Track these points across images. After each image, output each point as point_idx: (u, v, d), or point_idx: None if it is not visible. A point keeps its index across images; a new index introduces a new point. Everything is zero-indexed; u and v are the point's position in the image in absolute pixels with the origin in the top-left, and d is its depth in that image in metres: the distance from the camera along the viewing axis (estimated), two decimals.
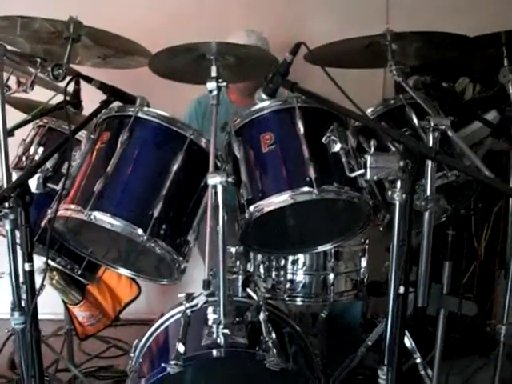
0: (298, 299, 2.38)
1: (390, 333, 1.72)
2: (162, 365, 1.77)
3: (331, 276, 2.32)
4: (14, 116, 2.41)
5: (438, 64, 2.62)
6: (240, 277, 1.99)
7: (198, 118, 2.96)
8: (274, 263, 2.37)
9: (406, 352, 2.43)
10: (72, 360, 3.00)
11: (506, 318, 2.15)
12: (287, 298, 2.38)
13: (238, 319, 1.94)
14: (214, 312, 1.84)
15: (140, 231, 1.80)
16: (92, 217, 1.80)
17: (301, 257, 2.35)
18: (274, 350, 1.83)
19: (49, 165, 2.11)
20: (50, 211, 1.89)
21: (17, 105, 2.58)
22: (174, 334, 2.06)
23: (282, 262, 2.38)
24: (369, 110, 2.08)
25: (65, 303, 2.85)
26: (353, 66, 2.17)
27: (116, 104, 2.08)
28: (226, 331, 1.79)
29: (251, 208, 1.82)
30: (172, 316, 2.18)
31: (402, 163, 1.54)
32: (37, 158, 2.27)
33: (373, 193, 1.96)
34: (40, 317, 3.06)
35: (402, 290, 1.57)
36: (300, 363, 2.03)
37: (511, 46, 2.07)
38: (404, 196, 1.63)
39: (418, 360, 2.42)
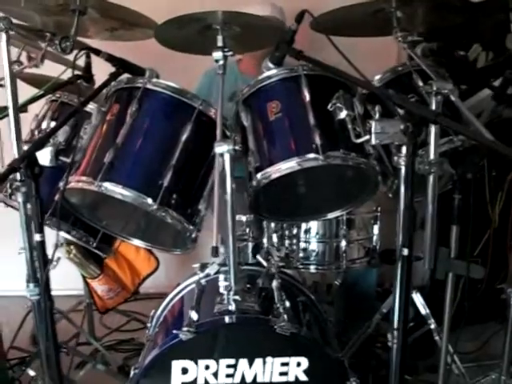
0: (312, 267, 2.41)
1: (399, 297, 1.73)
2: (174, 331, 1.81)
3: (343, 243, 2.33)
4: (29, 92, 2.43)
5: (449, 31, 2.60)
6: (250, 244, 2.01)
7: (206, 89, 2.95)
8: (286, 232, 2.39)
9: (421, 318, 2.46)
10: (93, 333, 3.05)
11: None
12: (300, 266, 2.40)
13: (249, 286, 1.96)
14: (226, 279, 1.88)
15: (150, 200, 1.83)
16: (103, 188, 1.83)
17: (313, 225, 2.36)
18: (285, 316, 1.85)
19: (61, 138, 2.16)
20: (61, 183, 1.93)
21: (31, 80, 2.60)
22: (188, 302, 2.10)
23: (295, 231, 2.40)
24: (377, 77, 2.07)
25: (84, 277, 2.90)
26: (361, 34, 2.16)
27: (125, 76, 2.09)
28: (236, 297, 1.82)
29: (259, 175, 1.85)
30: (187, 286, 2.22)
31: (402, 126, 1.54)
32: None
33: (380, 159, 1.96)
34: (60, 292, 3.15)
35: (405, 251, 1.57)
36: (313, 330, 2.05)
37: None
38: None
39: (433, 326, 2.43)
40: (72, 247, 2.68)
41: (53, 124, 2.30)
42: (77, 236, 2.36)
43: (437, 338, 2.40)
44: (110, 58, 2.07)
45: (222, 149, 1.73)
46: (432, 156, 1.67)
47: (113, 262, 2.95)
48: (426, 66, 1.81)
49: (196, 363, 1.84)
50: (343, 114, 1.81)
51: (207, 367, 1.84)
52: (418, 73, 1.96)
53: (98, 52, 2.07)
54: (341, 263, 2.36)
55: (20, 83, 2.14)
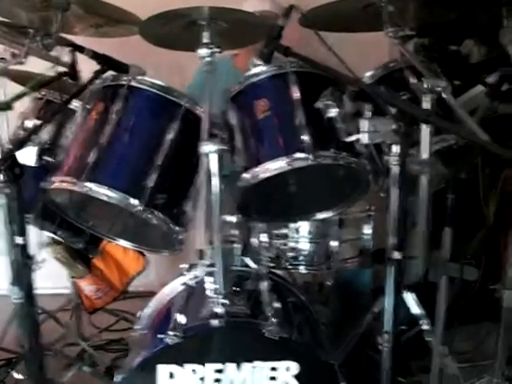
0: (302, 267, 2.35)
1: (390, 300, 1.69)
2: (160, 336, 1.77)
3: (334, 243, 2.28)
4: (15, 89, 2.38)
5: (441, 27, 2.56)
6: (238, 246, 1.96)
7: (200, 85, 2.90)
8: (276, 231, 2.34)
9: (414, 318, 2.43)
10: (81, 334, 2.99)
11: None
12: (290, 267, 2.35)
13: (237, 288, 1.92)
14: (214, 282, 1.84)
15: (135, 202, 1.78)
16: (86, 188, 1.78)
17: (303, 224, 2.31)
18: (274, 319, 1.82)
19: (46, 137, 2.12)
20: (43, 184, 1.88)
21: (16, 78, 2.55)
22: (175, 305, 2.06)
23: (285, 230, 2.34)
24: (368, 74, 2.03)
25: (71, 277, 2.85)
26: (351, 29, 2.11)
27: (110, 73, 2.04)
28: (225, 301, 1.78)
29: (246, 175, 1.80)
30: (175, 287, 2.18)
31: (394, 126, 1.49)
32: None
33: (372, 158, 1.91)
34: (50, 291, 3.12)
35: (396, 255, 1.53)
36: (303, 333, 2.01)
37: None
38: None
39: (425, 326, 2.40)
40: (59, 247, 2.64)
41: (38, 122, 2.24)
42: (63, 236, 2.32)
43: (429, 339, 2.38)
44: (95, 56, 2.02)
45: (208, 148, 1.69)
46: (424, 155, 1.62)
47: (100, 261, 2.90)
48: (417, 63, 1.76)
49: (183, 368, 1.80)
50: (333, 112, 1.77)
51: (194, 372, 1.80)
52: (410, 69, 1.92)
53: (82, 49, 2.02)
54: (331, 263, 2.30)
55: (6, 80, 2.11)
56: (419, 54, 2.03)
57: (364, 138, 1.64)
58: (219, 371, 1.81)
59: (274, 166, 1.77)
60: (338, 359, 2.56)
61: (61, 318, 3.08)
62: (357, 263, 2.37)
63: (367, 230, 2.36)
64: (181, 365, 1.80)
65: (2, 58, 2.17)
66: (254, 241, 2.37)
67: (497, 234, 2.90)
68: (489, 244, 2.92)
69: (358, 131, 1.70)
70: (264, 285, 2.07)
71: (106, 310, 3.16)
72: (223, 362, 1.80)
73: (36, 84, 2.31)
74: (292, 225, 2.31)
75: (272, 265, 2.30)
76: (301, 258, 2.33)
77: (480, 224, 2.92)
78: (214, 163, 1.71)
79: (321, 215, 2.07)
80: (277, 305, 1.97)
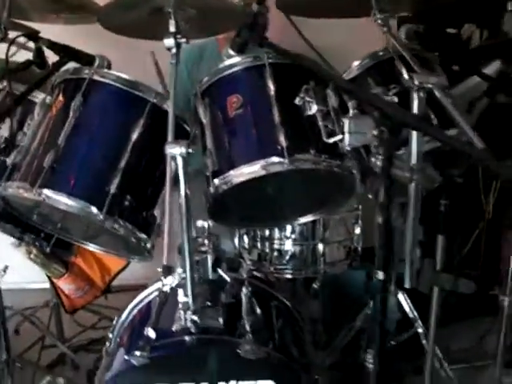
0: (287, 271, 2.20)
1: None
2: (125, 357, 1.63)
3: (320, 246, 2.12)
4: None
5: (439, 10, 2.39)
6: (209, 257, 1.80)
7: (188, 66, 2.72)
8: (259, 233, 2.18)
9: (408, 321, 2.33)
10: (61, 334, 2.88)
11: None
12: (274, 271, 2.19)
13: (212, 300, 1.77)
14: (185, 295, 1.68)
15: (95, 210, 1.62)
16: (43, 196, 1.63)
17: (288, 226, 2.15)
18: (250, 336, 1.67)
19: (5, 134, 1.96)
20: None
21: None
22: (147, 316, 1.92)
23: (268, 232, 2.18)
24: (355, 63, 1.85)
25: (49, 277, 2.71)
26: (335, 15, 1.91)
27: (73, 65, 1.87)
28: (194, 317, 1.63)
29: (216, 181, 1.63)
30: (149, 294, 2.04)
31: (375, 132, 1.31)
32: None
33: (360, 157, 1.73)
34: (30, 286, 2.99)
35: (380, 275, 1.36)
36: (284, 345, 1.86)
37: None
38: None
39: (420, 330, 2.30)
40: (32, 247, 2.49)
41: None
42: (28, 240, 2.16)
43: (424, 341, 2.27)
44: (52, 45, 1.83)
45: (174, 151, 1.52)
46: (413, 161, 1.44)
47: (80, 259, 2.76)
48: (408, 54, 1.58)
49: None
50: (313, 110, 1.59)
51: None
52: (401, 59, 1.73)
53: (36, 38, 1.83)
54: (318, 267, 2.15)
55: None
56: (412, 41, 1.84)
57: (346, 139, 1.47)
58: None
59: (247, 171, 1.60)
60: (330, 359, 2.48)
61: (41, 316, 2.95)
62: (345, 265, 2.21)
63: (356, 230, 2.21)
64: None
65: None
66: (236, 241, 2.24)
67: (496, 228, 2.74)
68: (488, 237, 2.77)
69: (342, 131, 1.52)
70: (244, 292, 1.92)
71: (90, 306, 3.03)
72: (197, 382, 1.66)
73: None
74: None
75: (254, 268, 2.15)
76: (286, 261, 2.18)
77: (479, 217, 2.76)
78: (180, 167, 1.54)
79: (304, 219, 1.90)
80: (256, 314, 1.83)
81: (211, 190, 1.64)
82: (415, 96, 1.43)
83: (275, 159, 1.55)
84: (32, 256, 2.51)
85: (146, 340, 1.68)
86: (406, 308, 2.32)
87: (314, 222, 2.12)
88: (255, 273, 2.19)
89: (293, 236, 2.16)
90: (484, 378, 2.32)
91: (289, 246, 2.18)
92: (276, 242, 2.17)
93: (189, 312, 1.63)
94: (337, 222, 2.17)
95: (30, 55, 2.02)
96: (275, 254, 2.18)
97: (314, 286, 2.41)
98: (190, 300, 1.64)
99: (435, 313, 1.84)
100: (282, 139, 1.55)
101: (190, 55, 2.72)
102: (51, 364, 2.69)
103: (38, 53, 2.06)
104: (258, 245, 2.19)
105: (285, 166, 1.54)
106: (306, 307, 2.72)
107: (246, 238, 2.21)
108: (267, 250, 2.18)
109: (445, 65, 2.12)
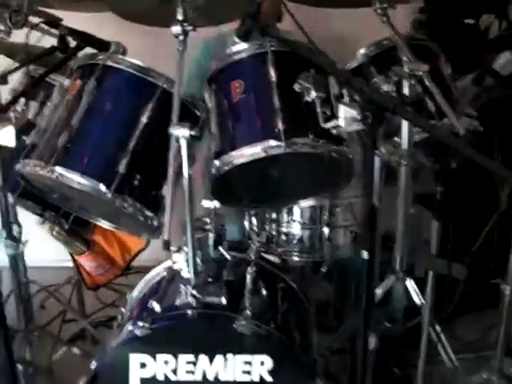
0: (294, 254, 2.26)
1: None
2: (129, 328, 1.72)
3: (326, 230, 2.18)
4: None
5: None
6: (211, 235, 1.87)
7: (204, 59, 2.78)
8: (267, 216, 2.25)
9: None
10: (83, 310, 2.99)
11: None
12: (282, 254, 2.26)
13: (215, 277, 1.85)
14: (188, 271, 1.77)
15: (104, 188, 1.71)
16: (55, 173, 1.73)
17: (296, 210, 2.21)
18: (248, 312, 1.75)
19: (30, 116, 2.07)
20: (17, 166, 1.83)
21: (8, 51, 2.49)
22: (155, 291, 2.01)
23: (277, 215, 2.25)
24: (361, 51, 1.90)
25: (71, 254, 2.83)
26: (336, 5, 1.95)
27: (89, 51, 1.97)
28: (194, 292, 1.71)
29: (217, 162, 1.71)
30: (160, 271, 2.13)
31: (360, 116, 1.37)
32: (18, 107, 2.18)
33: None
34: (56, 264, 3.12)
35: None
36: (282, 325, 1.92)
37: None
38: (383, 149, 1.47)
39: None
40: (54, 225, 2.60)
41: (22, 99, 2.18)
42: (48, 217, 2.27)
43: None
44: (70, 32, 1.93)
45: (178, 133, 1.60)
46: (404, 146, 1.49)
47: (100, 237, 2.87)
48: (403, 43, 1.62)
49: (155, 358, 1.75)
50: (311, 96, 1.65)
51: (166, 363, 1.75)
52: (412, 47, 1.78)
53: (55, 26, 1.93)
54: (324, 251, 2.20)
55: None
56: (418, 31, 1.88)
57: (341, 124, 1.52)
58: (191, 363, 1.75)
59: (248, 152, 1.67)
60: (339, 343, 2.53)
61: (65, 293, 3.07)
62: (352, 250, 2.26)
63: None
64: (153, 355, 1.75)
65: None
66: (246, 224, 2.31)
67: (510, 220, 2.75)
68: (502, 230, 2.77)
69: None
70: (250, 271, 2.00)
71: (112, 285, 3.14)
72: (196, 354, 1.74)
73: (25, 58, 2.26)
74: (285, 209, 2.23)
75: (262, 250, 2.22)
76: (293, 244, 2.24)
77: (493, 207, 2.77)
78: (183, 148, 1.61)
79: (304, 202, 1.96)
80: (260, 293, 1.90)
81: (213, 170, 1.72)
82: (406, 83, 1.47)
83: (273, 142, 1.62)
84: (55, 233, 2.63)
85: (150, 312, 1.78)
86: (414, 296, 2.36)
87: (321, 206, 2.19)
88: (267, 256, 2.26)
89: (300, 220, 2.22)
90: (489, 367, 2.33)
91: (297, 229, 2.24)
92: (284, 225, 2.23)
93: (189, 287, 1.71)
94: (345, 207, 2.21)
95: (54, 41, 2.13)
96: (283, 237, 2.24)
97: (322, 269, 2.46)
98: (191, 276, 1.73)
99: (430, 296, 1.88)
100: (280, 123, 1.61)
101: (216, 43, 2.79)
102: (72, 338, 2.81)
103: (62, 39, 2.17)
104: (267, 227, 2.25)
105: (282, 148, 1.61)
106: (315, 291, 2.79)
107: (254, 221, 2.28)
108: (275, 233, 2.24)
109: (460, 55, 2.15)
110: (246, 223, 2.29)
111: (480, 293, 2.66)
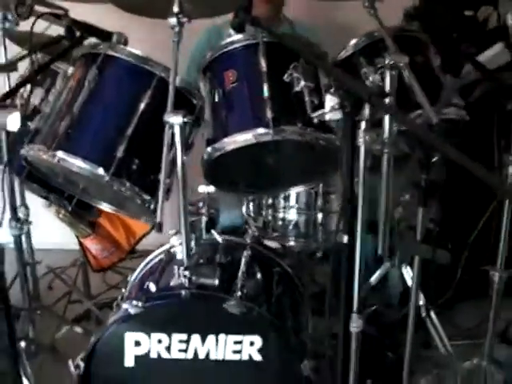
0: (290, 239, 2.33)
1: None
2: (124, 306, 1.80)
3: (320, 215, 2.24)
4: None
5: None
6: (204, 218, 1.95)
7: (204, 47, 2.84)
8: (264, 201, 2.32)
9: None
10: (88, 292, 3.08)
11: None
12: (278, 238, 2.32)
13: (206, 261, 1.92)
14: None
15: (102, 171, 1.78)
16: (56, 157, 1.80)
17: (292, 195, 2.28)
18: (239, 293, 1.82)
19: (36, 102, 2.15)
20: (22, 150, 1.91)
21: (19, 39, 2.56)
22: (152, 272, 2.09)
23: (274, 201, 2.32)
24: (352, 42, 1.95)
25: (77, 237, 2.91)
26: None
27: (92, 41, 2.04)
28: (186, 273, 1.78)
29: (209, 148, 1.78)
30: (159, 254, 2.21)
31: (337, 105, 1.43)
32: (25, 95, 2.26)
33: None
34: (64, 246, 3.20)
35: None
36: (274, 307, 1.99)
37: None
38: (367, 138, 1.53)
39: (421, 302, 2.35)
40: (60, 208, 2.68)
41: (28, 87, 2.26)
42: (52, 200, 2.35)
43: (424, 314, 2.33)
44: (74, 23, 2.00)
45: (172, 120, 1.67)
46: (386, 135, 1.55)
47: (106, 221, 2.94)
48: (386, 35, 1.67)
49: (149, 336, 1.83)
50: (300, 86, 1.71)
51: (160, 341, 1.84)
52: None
53: (58, 16, 2.00)
54: (317, 236, 2.27)
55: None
56: (409, 22, 1.93)
57: (327, 113, 1.58)
58: (184, 341, 1.83)
59: (240, 139, 1.74)
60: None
61: (72, 275, 3.16)
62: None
63: None
64: (148, 333, 1.83)
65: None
66: (243, 210, 2.38)
67: None
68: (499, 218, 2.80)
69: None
70: (245, 254, 2.07)
71: (118, 268, 3.22)
72: (188, 333, 1.82)
73: (35, 45, 2.33)
74: (281, 195, 2.29)
75: (258, 234, 2.28)
76: (289, 229, 2.31)
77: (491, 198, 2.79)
78: (177, 135, 1.68)
79: (295, 189, 2.03)
80: (254, 276, 1.97)
81: (205, 156, 1.79)
82: (387, 74, 1.53)
83: (261, 130, 1.69)
84: (61, 216, 2.70)
85: (145, 292, 1.86)
86: (409, 282, 2.40)
87: (316, 192, 2.25)
88: (266, 241, 2.33)
89: (296, 205, 2.28)
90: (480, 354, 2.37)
91: (293, 215, 2.30)
92: (280, 210, 2.30)
93: (181, 268, 1.79)
94: (338, 194, 2.27)
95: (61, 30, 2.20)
96: (279, 222, 2.31)
97: (317, 254, 2.52)
98: (184, 258, 1.80)
99: (416, 281, 1.93)
100: (269, 112, 1.68)
101: (214, 33, 2.85)
102: (77, 318, 2.89)
103: (69, 29, 2.24)
104: (263, 213, 2.32)
105: (270, 136, 1.67)
106: (315, 275, 2.86)
107: (251, 206, 2.35)
108: (271, 218, 2.30)
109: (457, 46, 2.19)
110: (244, 209, 2.35)
111: (479, 280, 2.69)
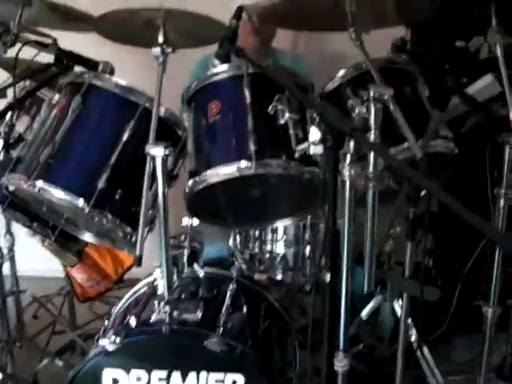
0: (278, 272, 2.28)
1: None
2: (100, 342, 1.75)
3: (308, 248, 2.20)
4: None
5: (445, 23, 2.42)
6: (186, 251, 1.91)
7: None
8: (251, 233, 2.28)
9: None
10: (73, 322, 3.02)
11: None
12: (265, 271, 2.28)
13: (188, 296, 1.88)
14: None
15: (82, 203, 1.74)
16: (37, 188, 1.76)
17: (280, 227, 2.23)
18: (221, 329, 1.77)
19: (21, 129, 2.12)
20: (2, 179, 1.88)
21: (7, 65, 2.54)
22: (134, 306, 2.04)
23: (261, 233, 2.27)
24: (340, 73, 1.93)
25: (62, 265, 2.87)
26: (315, 28, 1.99)
27: (78, 69, 2.02)
28: (167, 308, 1.74)
29: (191, 181, 1.75)
30: (142, 287, 2.16)
31: (319, 139, 1.39)
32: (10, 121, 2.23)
33: None
34: (46, 274, 3.14)
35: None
36: (258, 344, 1.94)
37: (500, 4, 1.84)
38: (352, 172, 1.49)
39: (413, 338, 2.31)
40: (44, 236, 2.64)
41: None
42: (36, 229, 2.31)
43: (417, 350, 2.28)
44: (60, 52, 1.98)
45: (153, 152, 1.64)
46: (371, 169, 1.51)
47: (93, 250, 2.89)
48: (372, 67, 1.65)
49: (128, 373, 1.78)
50: (285, 118, 1.68)
51: (139, 379, 1.78)
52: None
53: (45, 45, 1.98)
54: (306, 269, 2.22)
55: None
56: (398, 54, 1.91)
57: (311, 147, 1.54)
58: (164, 379, 1.78)
59: (222, 172, 1.71)
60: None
61: (58, 304, 3.10)
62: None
63: None
64: (127, 370, 1.78)
65: None
66: (230, 242, 2.34)
67: None
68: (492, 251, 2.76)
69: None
70: (230, 288, 2.03)
71: (106, 297, 3.16)
72: (169, 370, 1.77)
73: (23, 73, 2.32)
74: (269, 227, 2.25)
75: (245, 267, 2.24)
76: (276, 262, 2.26)
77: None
78: (158, 167, 1.65)
79: (282, 222, 1.99)
80: (239, 310, 1.93)
81: (187, 188, 1.75)
82: (372, 107, 1.50)
83: (244, 163, 1.65)
84: (46, 244, 2.65)
85: (125, 326, 1.81)
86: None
87: (304, 225, 2.21)
88: (253, 274, 2.28)
89: (284, 238, 2.24)
90: None
91: (280, 248, 2.26)
92: (268, 243, 2.25)
93: (162, 303, 1.74)
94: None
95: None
96: (267, 255, 2.26)
97: (306, 287, 2.47)
98: (165, 292, 1.75)
99: (404, 318, 1.89)
100: (252, 144, 1.64)
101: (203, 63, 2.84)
102: (61, 350, 2.81)
103: (58, 57, 2.22)
104: (250, 246, 2.27)
105: (252, 169, 1.64)
106: (302, 307, 2.80)
107: (238, 238, 2.30)
108: (258, 251, 2.26)
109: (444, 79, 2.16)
110: (231, 241, 2.31)
111: (474, 314, 2.65)
